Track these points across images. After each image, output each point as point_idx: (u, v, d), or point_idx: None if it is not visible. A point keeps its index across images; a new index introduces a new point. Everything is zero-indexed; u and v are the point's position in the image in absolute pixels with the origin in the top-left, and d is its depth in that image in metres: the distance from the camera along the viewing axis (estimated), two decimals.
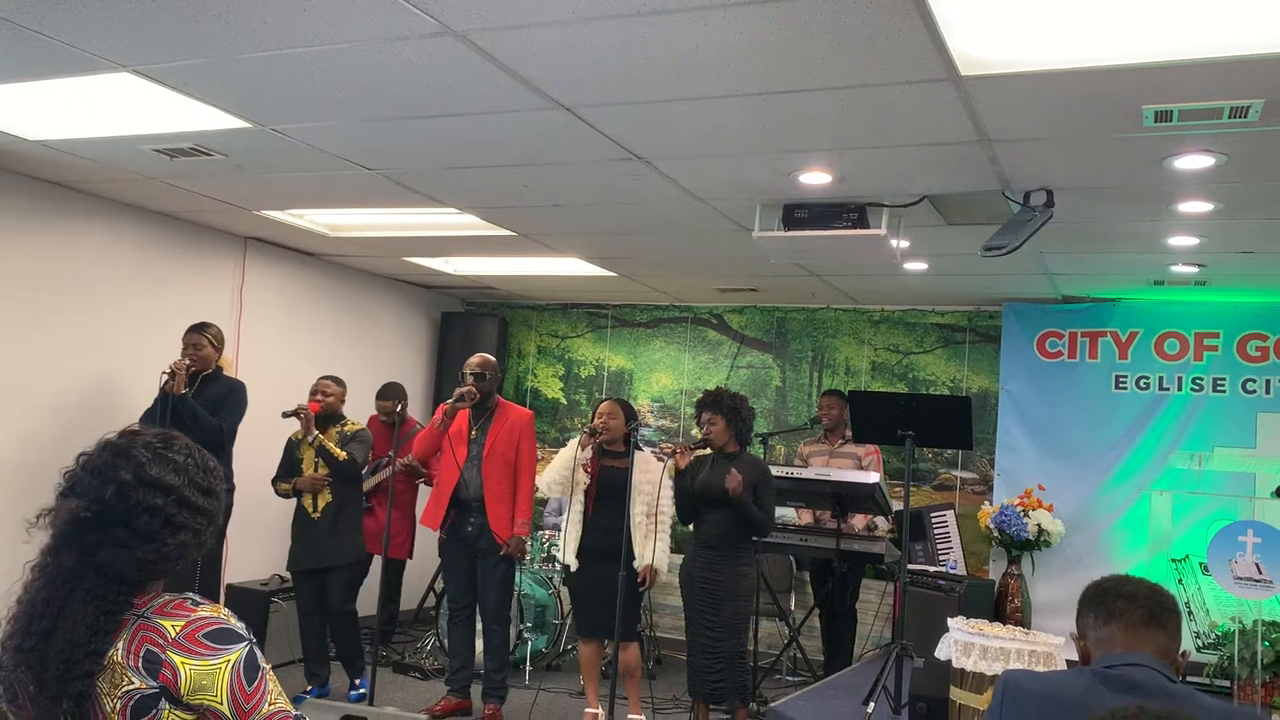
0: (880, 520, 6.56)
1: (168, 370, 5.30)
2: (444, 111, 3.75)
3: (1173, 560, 6.12)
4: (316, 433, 5.58)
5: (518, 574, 6.04)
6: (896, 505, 6.33)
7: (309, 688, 5.66)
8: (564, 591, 6.90)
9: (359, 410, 6.38)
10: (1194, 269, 5.67)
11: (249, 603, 6.18)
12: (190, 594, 1.73)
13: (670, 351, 8.25)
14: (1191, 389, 6.56)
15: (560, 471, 5.19)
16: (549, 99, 3.52)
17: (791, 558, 7.08)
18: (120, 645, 1.63)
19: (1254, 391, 6.41)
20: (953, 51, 2.91)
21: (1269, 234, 4.80)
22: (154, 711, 1.62)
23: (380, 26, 2.99)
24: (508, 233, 5.84)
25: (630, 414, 5.35)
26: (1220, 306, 6.48)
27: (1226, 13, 2.65)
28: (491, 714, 5.43)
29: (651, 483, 5.17)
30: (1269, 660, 5.03)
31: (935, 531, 6.99)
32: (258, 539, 6.50)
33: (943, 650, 4.02)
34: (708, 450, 5.21)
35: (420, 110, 3.75)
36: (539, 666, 6.55)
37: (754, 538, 5.12)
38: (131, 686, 1.61)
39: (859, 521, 6.57)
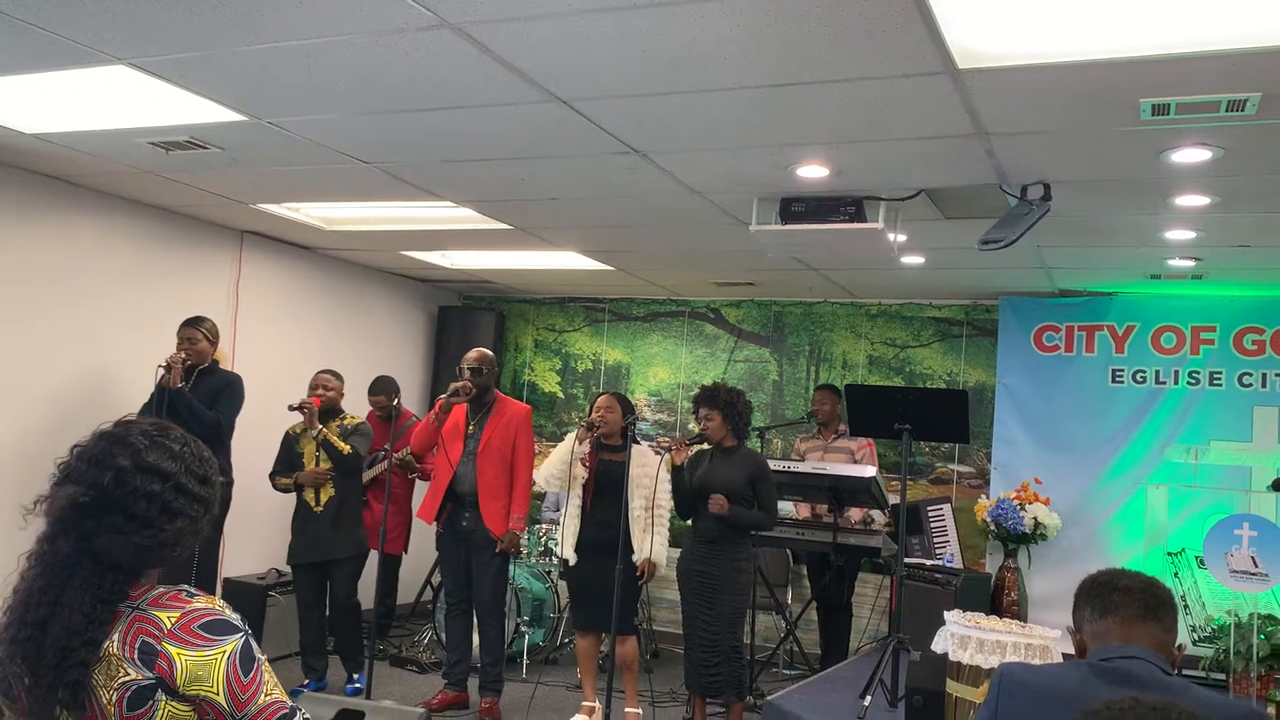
0: (877, 514, 6.57)
1: (163, 364, 5.29)
2: (440, 104, 3.74)
3: (1169, 554, 6.13)
4: (320, 427, 5.58)
5: (513, 568, 6.04)
6: (893, 499, 6.34)
7: (306, 681, 5.67)
8: (561, 585, 6.91)
9: (355, 405, 6.37)
10: (1191, 263, 5.67)
11: (246, 596, 6.18)
12: (185, 586, 1.73)
13: (667, 345, 8.24)
14: (1188, 383, 6.57)
15: (558, 465, 5.19)
16: (545, 92, 3.52)
17: (788, 551, 7.09)
18: (116, 637, 1.63)
19: (1250, 385, 6.42)
20: (950, 44, 2.91)
21: (1266, 228, 4.80)
22: (150, 703, 1.62)
23: (376, 19, 2.99)
24: (504, 226, 5.84)
25: (628, 408, 5.35)
26: (1217, 300, 6.49)
27: (1224, 5, 2.65)
28: (488, 707, 5.44)
29: (650, 476, 5.17)
30: (1264, 653, 5.04)
31: (932, 525, 7.00)
32: (254, 533, 6.50)
33: (939, 643, 4.03)
34: (705, 445, 5.21)
35: (417, 103, 3.75)
36: (536, 660, 6.56)
37: (754, 532, 5.13)
38: (127, 678, 1.61)
39: (855, 515, 6.58)
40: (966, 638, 3.82)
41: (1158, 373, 6.65)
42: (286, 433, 5.82)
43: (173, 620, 1.64)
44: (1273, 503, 5.76)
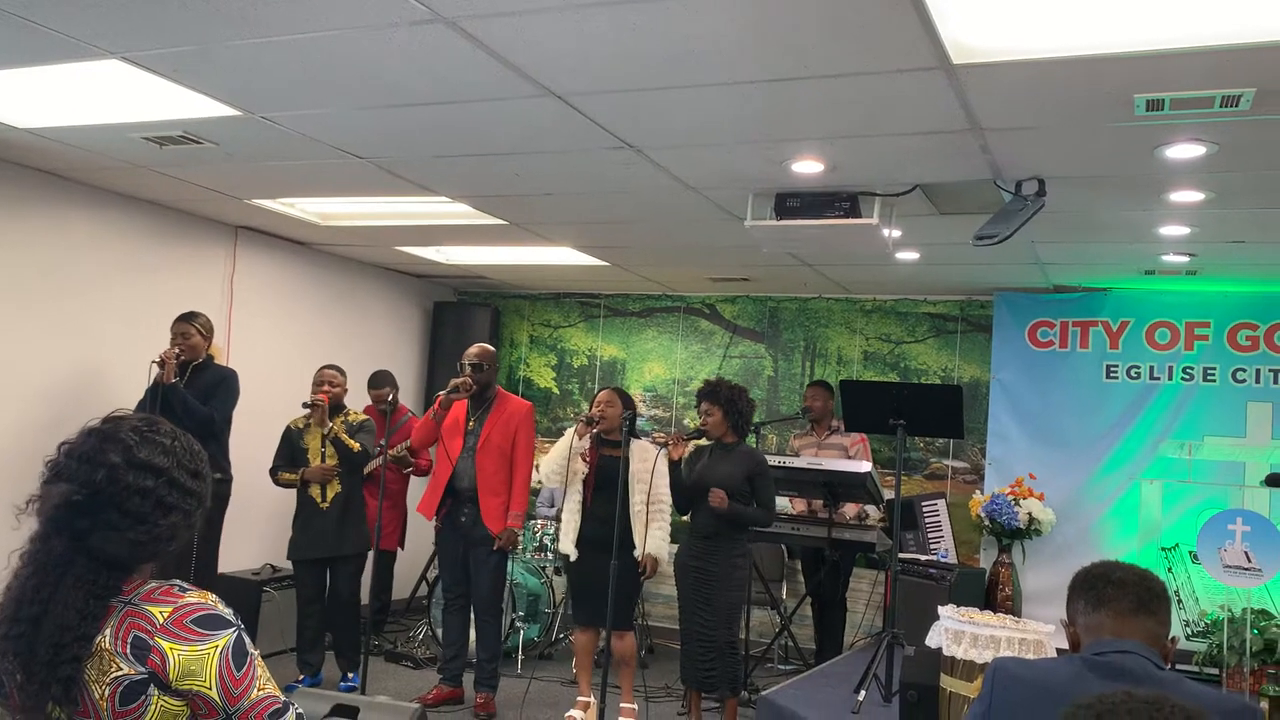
0: (871, 509, 6.58)
1: (157, 360, 5.28)
2: (434, 99, 3.73)
3: (1162, 549, 6.14)
4: (331, 424, 5.58)
5: (510, 564, 6.04)
6: (888, 494, 6.35)
7: (301, 677, 5.67)
8: (556, 581, 6.91)
9: (352, 400, 6.36)
10: (1185, 258, 5.68)
11: (241, 592, 6.17)
12: (177, 580, 1.73)
13: (663, 341, 8.24)
14: (1182, 378, 6.58)
15: (558, 461, 5.19)
16: (540, 87, 3.51)
17: (783, 546, 7.10)
18: (108, 632, 1.63)
19: (1244, 381, 6.43)
20: (945, 40, 2.90)
21: (1260, 224, 4.81)
22: (142, 697, 1.62)
23: (370, 13, 2.98)
24: (499, 221, 5.83)
25: (628, 403, 5.34)
26: (1211, 296, 6.50)
27: (1219, 2, 2.65)
28: (483, 703, 5.44)
29: (650, 470, 5.17)
30: (1257, 648, 5.05)
31: (926, 520, 7.01)
32: (249, 529, 6.49)
33: (933, 638, 4.03)
34: (704, 440, 5.21)
35: (411, 98, 3.74)
36: (531, 655, 6.56)
37: (752, 529, 5.14)
38: (120, 673, 1.61)
39: (850, 510, 6.59)
40: (960, 633, 3.82)
41: (1152, 368, 6.66)
42: (288, 427, 5.80)
43: (165, 615, 1.64)
44: (1266, 498, 5.77)
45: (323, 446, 5.62)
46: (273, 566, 6.63)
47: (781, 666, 6.81)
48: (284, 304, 7.11)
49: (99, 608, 1.63)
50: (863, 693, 4.75)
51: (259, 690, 1.68)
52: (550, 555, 6.77)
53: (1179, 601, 5.95)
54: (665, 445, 5.12)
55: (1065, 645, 2.25)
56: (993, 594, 6.50)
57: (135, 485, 1.66)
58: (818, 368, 7.72)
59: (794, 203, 4.63)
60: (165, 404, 5.20)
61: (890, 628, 4.96)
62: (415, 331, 8.49)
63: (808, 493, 6.48)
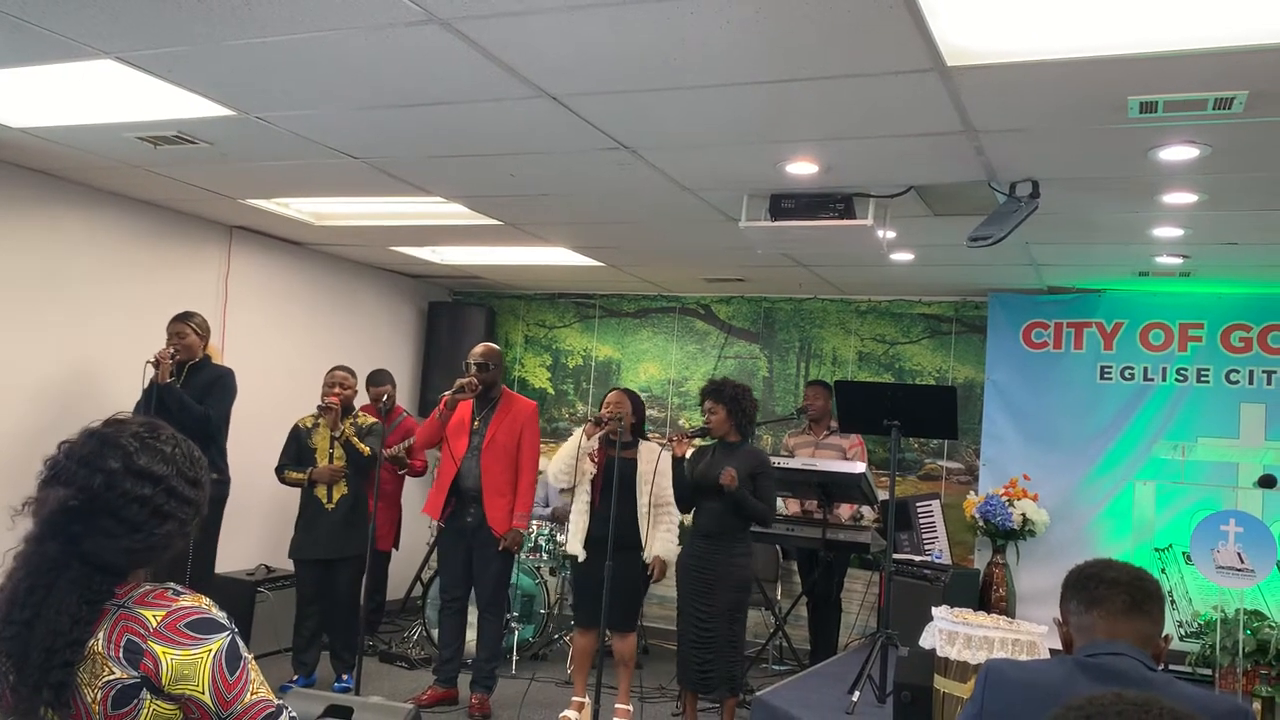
0: (866, 510, 6.59)
1: (152, 360, 5.27)
2: (429, 100, 3.73)
3: (1156, 549, 6.16)
4: (343, 426, 5.59)
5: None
6: (882, 495, 6.35)
7: (295, 677, 5.66)
8: (551, 581, 6.91)
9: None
10: (1179, 260, 5.69)
11: (235, 593, 6.16)
12: (171, 584, 1.72)
13: (658, 341, 8.25)
14: (1176, 379, 6.59)
15: (565, 461, 5.18)
16: (535, 88, 3.51)
17: (778, 547, 7.11)
18: (101, 635, 1.62)
19: (1237, 382, 6.45)
20: (939, 42, 2.91)
21: (1253, 225, 4.82)
22: (135, 702, 1.61)
23: (365, 14, 2.97)
24: (494, 222, 5.83)
25: (638, 404, 5.33)
26: (1204, 298, 6.51)
27: (1212, 4, 2.65)
28: (478, 703, 5.43)
29: (654, 470, 5.16)
30: (1250, 649, 5.07)
31: (921, 521, 7.02)
32: (244, 529, 6.48)
33: (927, 639, 4.04)
34: (708, 439, 5.21)
35: (406, 99, 3.74)
36: (525, 656, 6.56)
37: (753, 528, 5.14)
38: (112, 676, 1.61)
39: (845, 511, 6.59)
40: (954, 633, 3.83)
41: (1146, 369, 6.67)
42: (296, 425, 5.81)
43: (158, 619, 1.64)
44: (1259, 499, 5.79)
45: (331, 447, 5.63)
46: (267, 567, 6.62)
47: (776, 667, 6.82)
48: (279, 304, 7.10)
49: (92, 613, 1.62)
50: (857, 693, 4.76)
51: (252, 694, 1.67)
52: (545, 555, 6.76)
53: (1172, 602, 5.96)
54: (669, 443, 5.12)
55: (1058, 646, 2.25)
56: (987, 595, 6.51)
57: (133, 493, 1.65)
58: (812, 368, 7.73)
59: (789, 204, 4.63)
60: (161, 404, 5.19)
61: (884, 628, 4.97)
62: (410, 331, 8.48)
63: (802, 493, 6.49)
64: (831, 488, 6.22)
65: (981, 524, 6.59)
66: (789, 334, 7.86)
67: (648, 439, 5.33)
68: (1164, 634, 2.12)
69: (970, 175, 4.24)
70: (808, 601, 6.83)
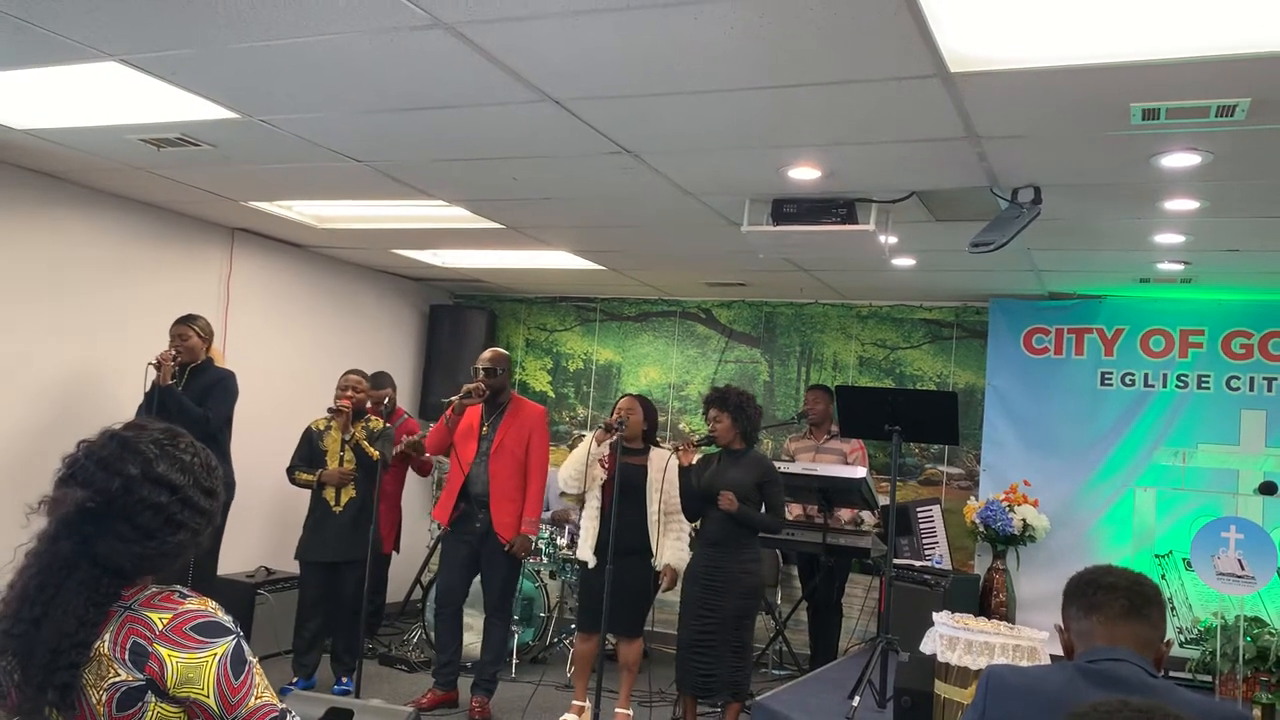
0: (866, 515, 6.59)
1: (153, 361, 5.28)
2: (433, 104, 3.74)
3: (1156, 556, 6.16)
4: (353, 430, 5.59)
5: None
6: (883, 500, 6.36)
7: (294, 679, 5.65)
8: (551, 585, 6.91)
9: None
10: (1180, 266, 5.70)
11: (235, 594, 6.15)
12: (178, 586, 1.73)
13: (658, 345, 8.25)
14: (1176, 386, 6.60)
15: (576, 467, 5.18)
16: (539, 92, 3.52)
17: (778, 552, 7.11)
18: (107, 637, 1.63)
19: (1238, 389, 6.45)
20: (942, 48, 2.92)
21: (1254, 232, 4.83)
22: (140, 704, 1.62)
23: (370, 18, 2.98)
24: (496, 225, 5.83)
25: (650, 411, 5.32)
26: (1205, 304, 6.52)
27: (1215, 12, 2.66)
28: (479, 706, 5.43)
29: (669, 479, 5.15)
30: (1250, 655, 5.07)
31: (921, 526, 7.03)
32: (244, 531, 6.48)
33: (928, 644, 4.04)
34: (712, 446, 5.20)
35: (409, 102, 3.74)
36: (525, 659, 6.56)
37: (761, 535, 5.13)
38: (117, 678, 1.61)
39: (845, 516, 6.59)
40: (955, 639, 3.83)
41: (1146, 376, 6.68)
42: (308, 428, 5.83)
43: (165, 622, 1.64)
44: (1259, 505, 5.79)
45: (341, 450, 5.63)
46: (267, 569, 6.62)
47: (776, 672, 6.82)
48: (280, 306, 7.11)
49: (98, 615, 1.63)
50: (857, 698, 4.76)
51: (256, 698, 1.68)
52: (545, 559, 6.76)
53: (1172, 609, 5.96)
54: (676, 451, 5.12)
55: (1059, 652, 2.25)
56: (987, 600, 6.51)
57: (149, 500, 1.66)
58: (813, 373, 7.73)
59: (791, 209, 4.64)
60: (161, 406, 5.20)
61: (884, 633, 4.97)
62: (411, 334, 8.49)
63: (803, 498, 6.49)
64: (832, 492, 6.22)
65: (982, 529, 6.59)
66: (790, 338, 7.86)
67: (659, 446, 5.32)
68: (1166, 639, 2.11)
69: (972, 181, 4.25)
70: (808, 606, 6.82)
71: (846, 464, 6.51)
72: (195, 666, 1.63)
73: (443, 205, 5.45)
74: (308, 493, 5.87)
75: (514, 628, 6.47)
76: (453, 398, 5.44)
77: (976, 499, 6.87)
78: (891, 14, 2.70)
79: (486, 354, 5.58)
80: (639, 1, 2.74)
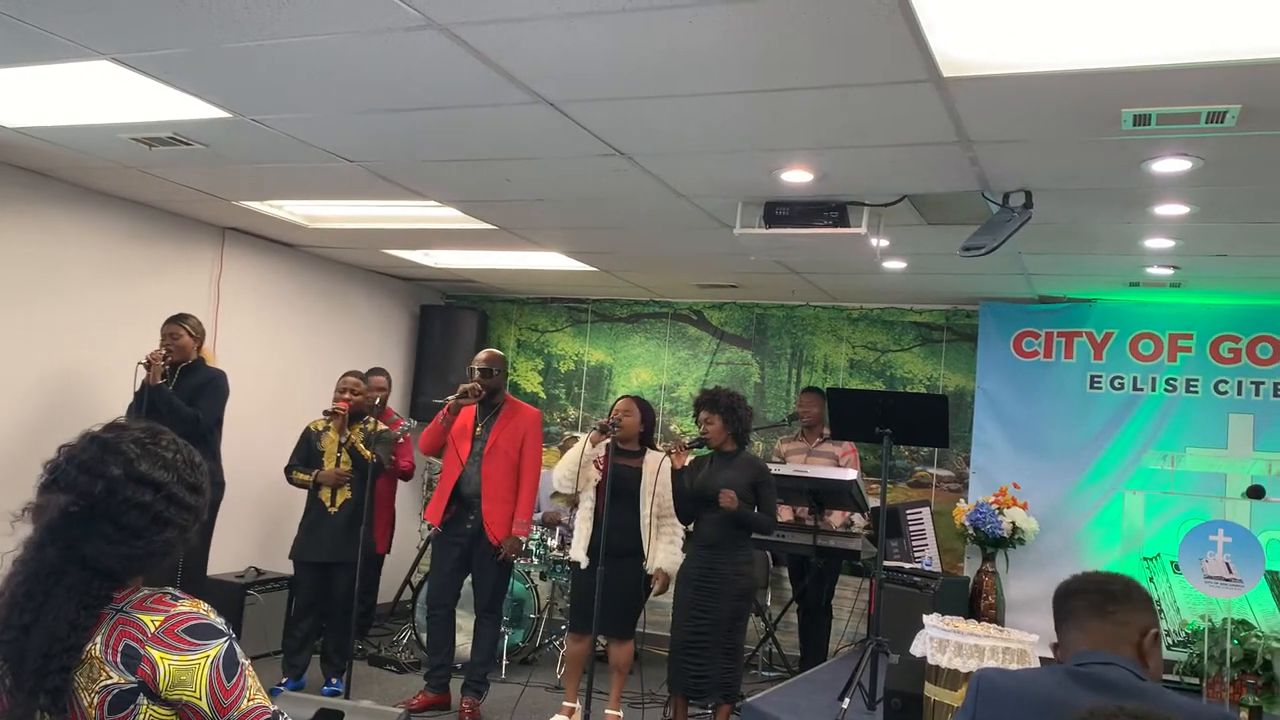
0: (857, 517, 6.60)
1: (143, 361, 5.26)
2: (426, 105, 3.74)
3: (1145, 559, 6.19)
4: (350, 433, 5.59)
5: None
6: (873, 502, 6.37)
7: (284, 679, 5.64)
8: (541, 586, 6.91)
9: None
10: (1169, 271, 5.73)
11: (224, 595, 6.14)
12: (170, 589, 1.72)
13: (650, 347, 8.25)
14: (1165, 389, 6.63)
15: (570, 468, 5.18)
16: (533, 93, 3.52)
17: (769, 554, 7.12)
18: (99, 640, 1.62)
19: (1226, 393, 6.49)
20: (935, 53, 2.93)
21: (1243, 237, 4.86)
22: (132, 707, 1.61)
23: (363, 18, 2.98)
24: (488, 226, 5.83)
25: (648, 412, 5.31)
26: (1194, 308, 6.55)
27: (1206, 19, 2.68)
28: (469, 708, 5.42)
29: (662, 482, 5.15)
30: (1237, 658, 5.10)
31: (911, 529, 7.04)
32: (234, 532, 6.45)
33: (918, 647, 4.06)
34: (704, 449, 5.21)
35: (402, 103, 3.74)
36: (515, 660, 6.56)
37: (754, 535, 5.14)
38: (109, 681, 1.60)
39: (836, 518, 6.61)
40: (945, 641, 3.84)
41: (1135, 379, 6.71)
42: (307, 428, 5.83)
43: (157, 624, 1.64)
44: (1247, 509, 5.82)
45: (338, 452, 5.63)
46: (257, 569, 6.60)
47: (766, 673, 6.83)
48: (270, 306, 7.09)
49: (89, 618, 1.62)
50: (847, 700, 4.77)
51: (249, 701, 1.67)
52: (535, 560, 6.76)
53: (1160, 611, 5.99)
54: (668, 454, 5.12)
55: (1049, 654, 2.26)
56: (976, 602, 6.53)
57: (134, 499, 1.65)
58: (804, 375, 7.74)
59: (783, 211, 4.65)
60: (151, 406, 5.18)
61: (874, 635, 4.98)
62: (402, 334, 8.47)
63: (793, 500, 6.50)
64: (823, 494, 6.23)
65: (971, 532, 6.61)
66: (781, 340, 7.88)
67: (655, 448, 5.32)
68: (1150, 632, 2.08)
69: (964, 185, 4.27)
70: (798, 608, 6.84)
71: (838, 466, 6.52)
72: (187, 669, 1.62)
73: (435, 206, 5.44)
74: (298, 493, 5.86)
75: (504, 629, 6.46)
76: (448, 397, 5.44)
77: (966, 501, 6.89)
78: (885, 18, 2.71)
79: (482, 355, 5.58)
80: (633, 4, 2.74)
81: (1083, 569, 2.28)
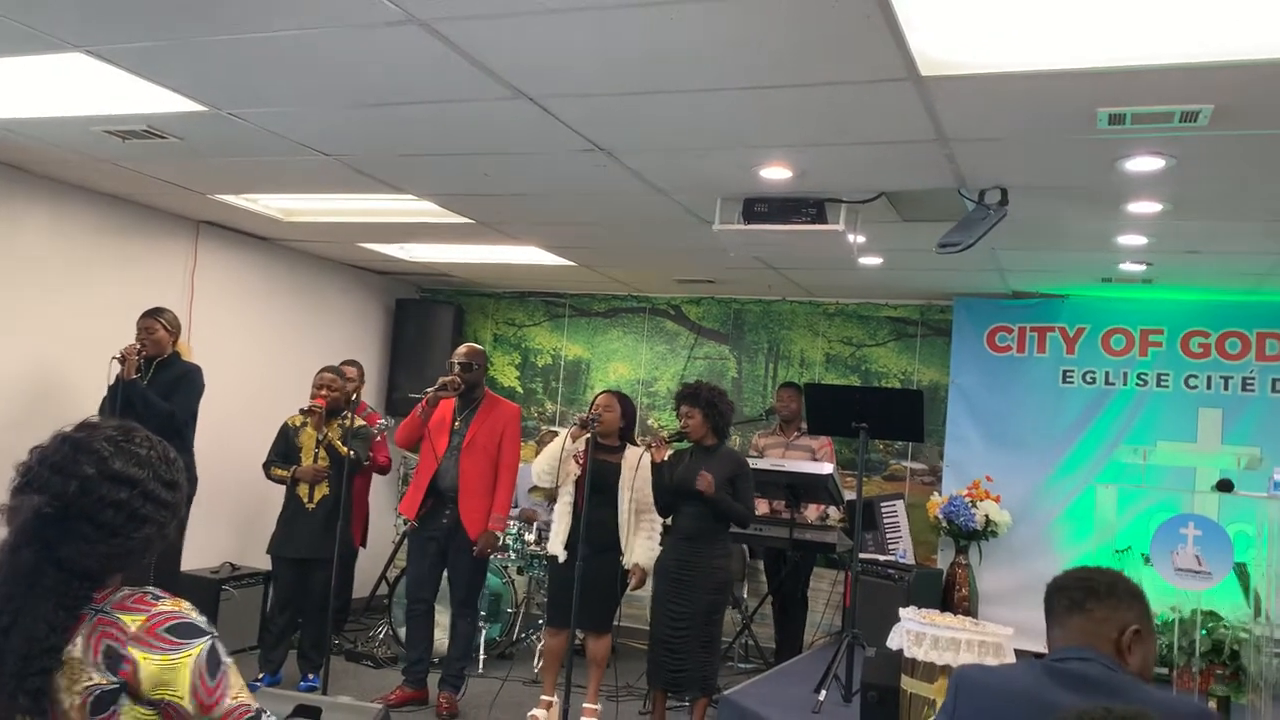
0: (832, 510, 6.64)
1: (117, 355, 5.21)
2: (406, 99, 3.72)
3: (1116, 551, 6.26)
4: (327, 430, 5.56)
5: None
6: (848, 495, 6.41)
7: (260, 675, 5.61)
8: (518, 580, 6.91)
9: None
10: (1141, 267, 5.80)
11: (199, 590, 6.09)
12: (151, 588, 1.71)
13: (627, 341, 8.26)
14: (1136, 384, 6.71)
15: (550, 462, 5.17)
16: (513, 89, 3.51)
17: (745, 546, 7.15)
18: (79, 641, 1.61)
19: (1196, 387, 6.58)
20: (915, 52, 2.95)
21: (1214, 234, 4.92)
22: (114, 707, 1.60)
23: (343, 13, 2.96)
24: (466, 220, 5.81)
25: (629, 408, 5.31)
26: (1165, 304, 6.63)
27: (1181, 21, 2.71)
28: (446, 702, 5.42)
29: (641, 477, 5.15)
30: (1206, 648, 5.17)
31: (885, 521, 7.09)
32: (209, 527, 6.41)
33: (895, 640, 4.09)
34: (684, 442, 5.21)
35: (382, 98, 3.72)
36: (492, 655, 6.55)
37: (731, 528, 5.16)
38: (91, 682, 1.60)
39: (812, 512, 6.64)
40: (922, 634, 3.88)
41: (1107, 374, 6.79)
42: (285, 423, 5.79)
43: (138, 624, 1.63)
44: (1215, 502, 5.90)
45: (316, 447, 5.60)
46: (232, 565, 6.56)
47: (742, 665, 6.86)
48: (245, 300, 7.04)
49: (68, 619, 1.61)
50: (823, 692, 4.81)
51: (232, 699, 1.67)
52: (513, 555, 6.76)
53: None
54: (649, 448, 5.12)
55: (1023, 647, 2.28)
56: (949, 594, 6.59)
57: (109, 498, 1.64)
58: (780, 370, 7.78)
59: (762, 208, 4.66)
60: (125, 401, 5.13)
61: (850, 628, 5.02)
62: (377, 328, 8.43)
63: (770, 494, 6.53)
64: (799, 488, 6.27)
65: (945, 524, 6.66)
66: (758, 335, 7.90)
67: (635, 444, 5.32)
68: (1131, 629, 2.08)
69: (940, 182, 4.30)
70: (774, 600, 6.88)
71: (815, 460, 6.56)
72: (171, 668, 1.62)
73: (412, 200, 5.42)
74: (274, 488, 5.82)
75: (481, 623, 6.46)
76: (427, 390, 5.42)
77: (940, 494, 6.95)
78: (865, 18, 2.73)
79: (462, 349, 5.57)
80: (615, 1, 2.75)
81: (1054, 561, 2.31)
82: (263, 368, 7.03)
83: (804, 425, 6.79)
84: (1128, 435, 6.60)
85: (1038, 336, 7.00)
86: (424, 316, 8.37)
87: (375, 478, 6.87)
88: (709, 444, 5.13)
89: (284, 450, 5.73)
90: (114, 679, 1.60)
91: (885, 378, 7.52)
